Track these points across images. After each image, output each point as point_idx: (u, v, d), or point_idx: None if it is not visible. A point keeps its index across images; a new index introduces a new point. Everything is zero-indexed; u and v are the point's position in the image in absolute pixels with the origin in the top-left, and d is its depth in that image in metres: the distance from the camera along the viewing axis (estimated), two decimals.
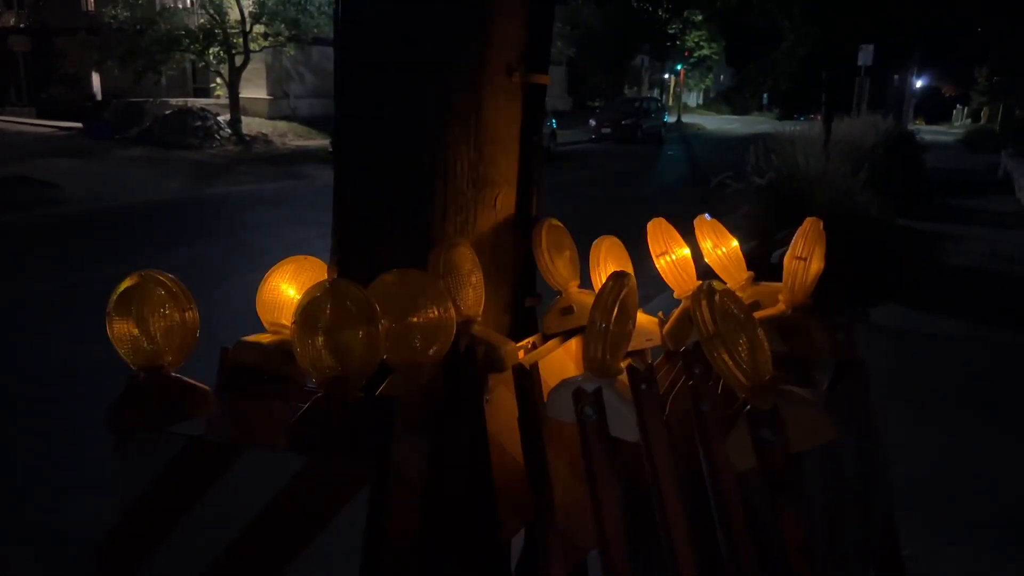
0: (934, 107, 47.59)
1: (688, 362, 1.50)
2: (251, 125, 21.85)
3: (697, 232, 1.92)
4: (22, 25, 26.17)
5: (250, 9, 20.36)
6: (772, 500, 1.30)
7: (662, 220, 1.88)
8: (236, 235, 9.74)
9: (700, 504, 1.44)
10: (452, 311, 1.48)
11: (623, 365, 1.44)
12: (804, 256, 1.67)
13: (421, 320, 1.45)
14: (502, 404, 1.62)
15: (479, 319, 1.65)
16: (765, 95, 49.49)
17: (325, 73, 24.56)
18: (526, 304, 1.88)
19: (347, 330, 1.29)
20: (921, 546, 1.99)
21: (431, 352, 1.46)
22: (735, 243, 1.88)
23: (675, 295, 1.89)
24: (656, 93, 46.05)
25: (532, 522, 1.61)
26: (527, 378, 1.53)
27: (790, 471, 1.30)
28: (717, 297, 1.33)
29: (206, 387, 1.43)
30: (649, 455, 1.34)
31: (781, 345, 1.66)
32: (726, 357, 1.29)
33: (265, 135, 21.59)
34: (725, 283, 1.75)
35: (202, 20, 20.66)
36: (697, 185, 14.42)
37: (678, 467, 1.37)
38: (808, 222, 1.73)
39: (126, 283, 1.29)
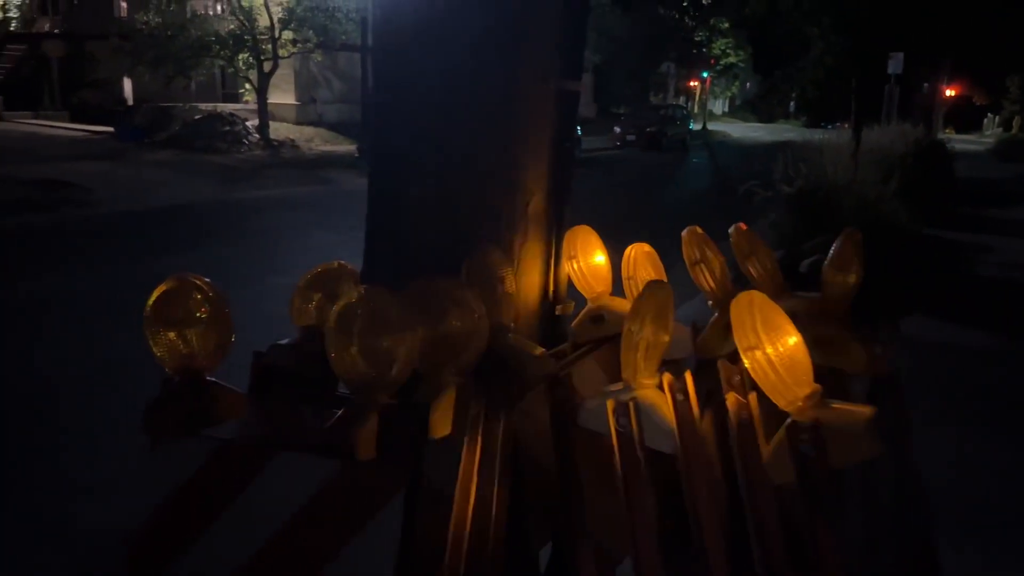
0: (964, 116, 46.91)
1: (725, 373, 1.48)
2: (279, 130, 22.04)
3: (732, 240, 1.89)
4: (56, 31, 26.61)
5: (279, 15, 20.56)
6: (811, 516, 1.28)
7: (697, 228, 1.86)
8: (264, 239, 9.82)
9: (736, 518, 1.42)
10: (484, 319, 1.47)
11: (659, 376, 1.42)
12: (843, 267, 1.64)
13: (453, 327, 1.44)
14: (534, 413, 1.61)
15: (511, 327, 1.64)
16: (791, 103, 49.11)
17: (352, 79, 24.72)
18: (557, 311, 1.87)
19: (381, 337, 1.28)
20: (944, 561, 1.97)
21: (463, 360, 1.45)
22: (770, 252, 1.86)
23: (710, 304, 1.86)
24: (682, 100, 45.87)
25: (560, 532, 1.60)
26: (560, 388, 1.51)
27: (830, 487, 1.27)
28: (758, 307, 1.31)
29: (239, 391, 1.43)
30: (685, 467, 1.32)
31: (817, 357, 1.63)
32: (768, 368, 1.27)
33: (292, 140, 21.77)
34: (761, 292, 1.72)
35: (232, 26, 20.90)
36: (723, 193, 14.33)
37: (714, 480, 1.35)
38: (846, 232, 1.70)
39: (164, 286, 1.29)
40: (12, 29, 27.15)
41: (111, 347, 5.30)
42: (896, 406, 1.67)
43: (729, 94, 56.16)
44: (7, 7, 27.22)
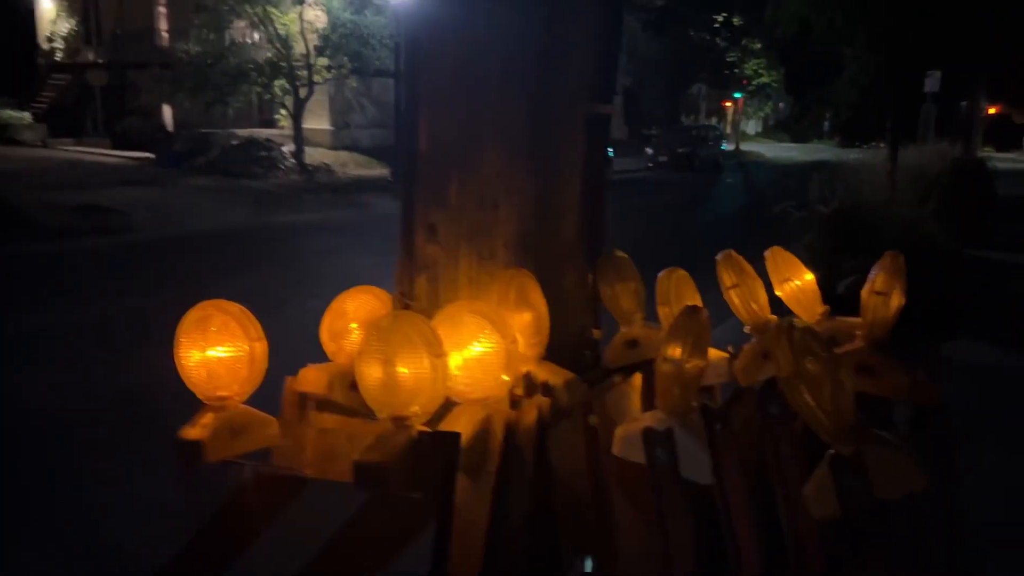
0: (1004, 134, 45.96)
1: (763, 401, 1.44)
2: (314, 155, 22.33)
3: (769, 264, 1.86)
4: (99, 60, 27.37)
5: (315, 43, 20.92)
6: (855, 551, 1.23)
7: (733, 252, 1.83)
8: (299, 263, 9.93)
9: (776, 550, 1.37)
10: (516, 344, 1.46)
11: (695, 403, 1.39)
12: (884, 291, 1.60)
13: (485, 353, 1.43)
14: (566, 439, 1.58)
15: (543, 352, 1.62)
16: (825, 123, 48.61)
17: (386, 104, 24.99)
18: (590, 337, 1.85)
19: (412, 362, 1.27)
20: None
21: (495, 386, 1.43)
22: (809, 276, 1.82)
23: (746, 330, 1.82)
24: (714, 121, 45.70)
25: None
26: (594, 415, 1.48)
27: (875, 521, 1.23)
28: (798, 334, 1.27)
29: (272, 417, 1.43)
30: (724, 498, 1.28)
31: (859, 384, 1.59)
32: (808, 398, 1.23)
33: (327, 165, 22.04)
34: (801, 318, 1.69)
35: (269, 54, 21.28)
36: (757, 214, 14.18)
37: (753, 511, 1.31)
38: (888, 256, 1.65)
39: (195, 312, 1.29)
40: (57, 59, 28.02)
41: (146, 372, 5.35)
42: (941, 433, 1.61)
43: (762, 114, 55.69)
44: (52, 38, 28.10)
